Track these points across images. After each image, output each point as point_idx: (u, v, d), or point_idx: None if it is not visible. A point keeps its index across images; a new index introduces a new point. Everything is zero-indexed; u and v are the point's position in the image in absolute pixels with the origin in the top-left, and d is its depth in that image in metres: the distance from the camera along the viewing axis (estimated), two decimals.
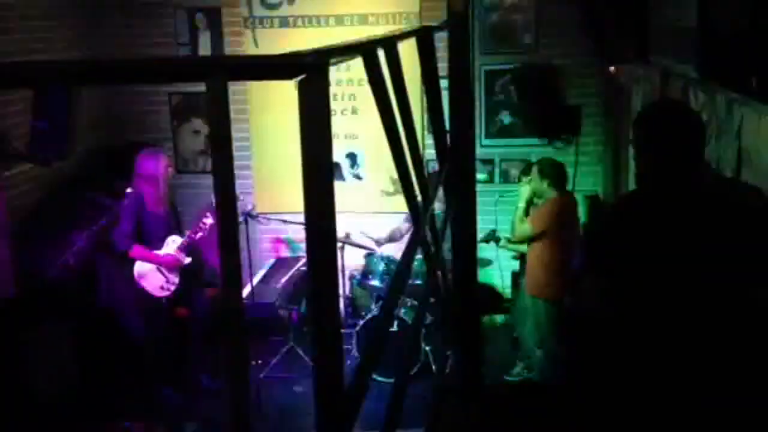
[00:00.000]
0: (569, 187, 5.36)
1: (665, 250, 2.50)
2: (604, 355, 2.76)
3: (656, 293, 2.52)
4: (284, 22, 6.49)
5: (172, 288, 5.30)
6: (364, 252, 6.12)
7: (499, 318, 6.60)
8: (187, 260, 5.35)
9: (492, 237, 5.80)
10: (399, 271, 2.33)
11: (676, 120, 2.61)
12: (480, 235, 4.84)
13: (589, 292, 2.92)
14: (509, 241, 5.65)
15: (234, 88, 5.74)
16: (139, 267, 5.24)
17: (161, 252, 5.25)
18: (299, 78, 1.03)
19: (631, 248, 2.57)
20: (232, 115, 1.07)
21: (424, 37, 2.26)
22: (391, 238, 6.13)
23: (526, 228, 5.16)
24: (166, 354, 5.40)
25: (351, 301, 6.54)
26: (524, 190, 5.26)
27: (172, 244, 5.29)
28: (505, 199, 5.87)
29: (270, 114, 6.53)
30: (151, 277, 5.25)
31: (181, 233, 5.37)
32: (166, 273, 5.27)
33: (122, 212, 5.11)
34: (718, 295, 2.46)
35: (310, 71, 1.03)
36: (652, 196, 2.62)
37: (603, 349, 2.77)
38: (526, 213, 5.23)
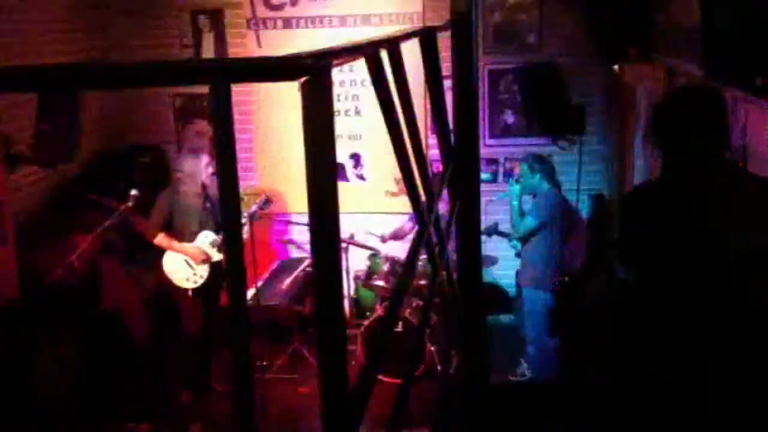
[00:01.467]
0: (573, 186, 5.38)
1: (699, 235, 2.48)
2: (629, 349, 2.74)
3: (692, 277, 2.50)
4: (287, 23, 6.49)
5: (200, 281, 5.35)
6: (368, 253, 6.13)
7: (505, 318, 6.59)
8: (217, 257, 5.39)
9: (495, 231, 5.80)
10: (404, 271, 2.33)
11: (705, 99, 2.62)
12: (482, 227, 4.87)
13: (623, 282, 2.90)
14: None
15: (238, 89, 5.74)
16: (167, 257, 5.33)
17: (191, 244, 5.31)
18: (302, 79, 1.03)
19: (665, 234, 2.55)
20: (236, 116, 1.07)
21: (427, 37, 2.25)
22: (395, 236, 6.15)
23: (528, 222, 5.19)
24: (182, 355, 5.46)
25: (355, 302, 6.54)
26: (515, 188, 5.34)
27: (205, 240, 5.36)
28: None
29: (274, 115, 6.54)
30: (178, 268, 5.32)
31: (218, 231, 5.42)
32: (194, 266, 5.32)
33: (155, 205, 5.30)
34: (751, 278, 2.44)
35: (314, 73, 1.03)
36: (681, 180, 2.60)
37: (628, 343, 2.75)
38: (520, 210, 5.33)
